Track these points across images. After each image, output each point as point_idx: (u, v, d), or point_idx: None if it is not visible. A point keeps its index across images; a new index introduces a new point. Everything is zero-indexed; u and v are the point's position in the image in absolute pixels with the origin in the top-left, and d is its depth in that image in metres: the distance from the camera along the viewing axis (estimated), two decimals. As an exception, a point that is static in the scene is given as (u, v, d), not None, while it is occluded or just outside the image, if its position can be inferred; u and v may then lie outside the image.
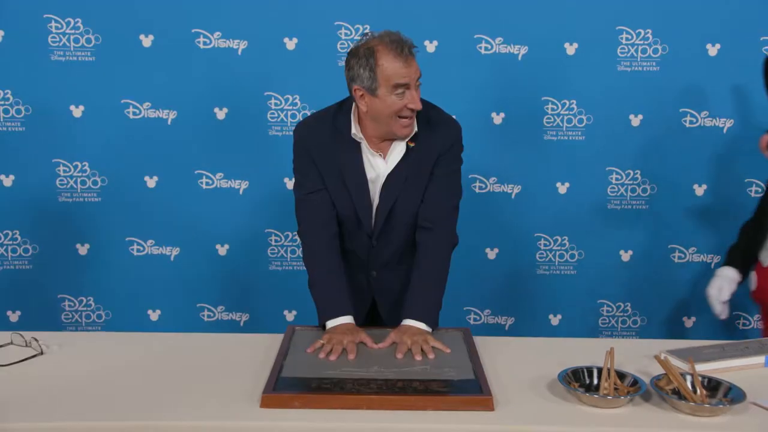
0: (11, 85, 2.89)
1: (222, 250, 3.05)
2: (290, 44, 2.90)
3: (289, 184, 2.93)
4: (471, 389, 1.57)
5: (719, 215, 3.00)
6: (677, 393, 1.55)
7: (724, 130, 2.96)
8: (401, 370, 1.67)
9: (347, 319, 1.92)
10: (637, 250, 3.07)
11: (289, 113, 2.96)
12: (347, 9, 2.89)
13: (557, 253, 3.09)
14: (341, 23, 2.90)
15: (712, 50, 2.89)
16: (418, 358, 1.75)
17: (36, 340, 1.82)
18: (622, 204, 3.04)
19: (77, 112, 2.92)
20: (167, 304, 3.09)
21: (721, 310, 2.29)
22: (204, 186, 3.00)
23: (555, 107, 2.96)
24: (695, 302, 3.01)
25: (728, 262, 2.37)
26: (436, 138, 1.98)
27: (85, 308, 3.08)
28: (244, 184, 3.01)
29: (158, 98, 2.93)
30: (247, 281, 3.09)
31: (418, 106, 1.89)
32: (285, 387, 1.57)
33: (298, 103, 2.95)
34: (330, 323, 1.91)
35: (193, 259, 3.05)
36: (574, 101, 2.96)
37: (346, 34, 2.90)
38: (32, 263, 3.03)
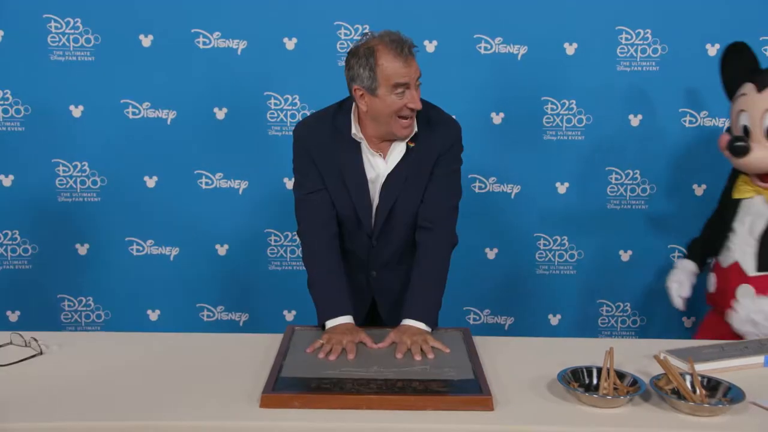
0: (11, 85, 2.89)
1: (221, 250, 3.05)
2: (290, 44, 2.90)
3: (289, 184, 2.93)
4: (470, 389, 1.58)
5: (719, 215, 3.00)
6: (677, 393, 1.55)
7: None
8: (401, 370, 1.67)
9: (347, 319, 1.92)
10: (637, 250, 3.07)
11: (289, 113, 2.95)
12: (347, 9, 2.89)
13: (557, 253, 3.09)
14: (341, 23, 2.90)
15: (712, 50, 2.89)
16: (418, 358, 1.75)
17: (35, 340, 1.82)
18: (621, 204, 3.04)
19: (77, 112, 2.92)
20: (167, 304, 3.09)
21: (680, 303, 2.39)
22: (203, 186, 3.00)
23: (555, 107, 2.96)
24: (695, 302, 3.01)
25: (689, 255, 2.46)
26: (436, 138, 1.98)
27: (84, 308, 3.08)
28: (244, 184, 3.01)
29: (158, 98, 2.92)
30: (246, 281, 3.09)
31: (418, 106, 1.89)
32: (284, 387, 1.57)
33: (298, 103, 2.95)
34: (329, 323, 1.91)
35: (192, 259, 3.05)
36: (574, 101, 2.96)
37: (345, 34, 2.90)
38: (32, 263, 3.03)
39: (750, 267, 2.20)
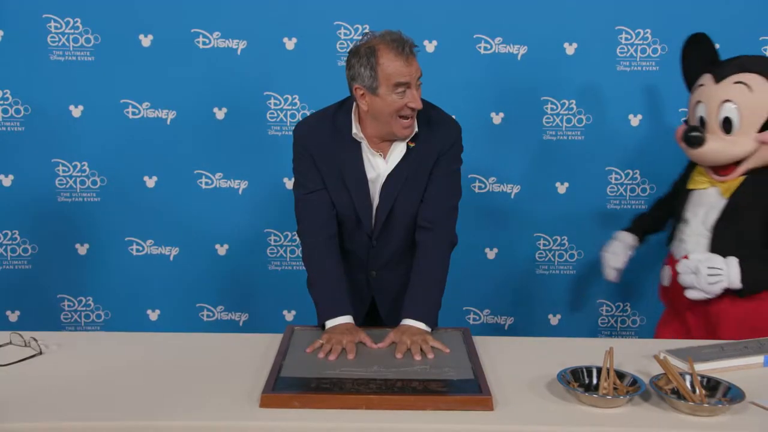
0: (10, 85, 2.89)
1: (221, 250, 3.05)
2: (290, 44, 2.90)
3: (289, 183, 2.93)
4: (470, 389, 1.57)
5: (719, 215, 3.00)
6: (676, 393, 1.55)
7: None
8: (400, 370, 1.67)
9: (347, 319, 1.92)
10: (637, 250, 3.06)
11: (289, 113, 2.95)
12: (347, 9, 2.89)
13: (557, 253, 3.09)
14: (341, 23, 2.90)
15: (712, 50, 2.89)
16: (418, 357, 1.75)
17: (35, 339, 1.82)
18: (621, 204, 3.04)
19: (76, 112, 2.92)
20: (166, 304, 3.09)
21: (612, 274, 2.43)
22: (203, 186, 3.00)
23: (554, 107, 2.96)
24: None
25: (630, 228, 2.51)
26: (436, 138, 1.98)
27: (84, 308, 3.08)
28: (244, 184, 3.01)
29: (157, 98, 2.92)
30: (246, 281, 3.09)
31: (419, 105, 1.89)
32: (284, 387, 1.57)
33: (298, 103, 2.95)
34: (329, 323, 1.91)
35: (192, 259, 3.05)
36: (574, 101, 2.96)
37: (345, 34, 2.90)
38: (31, 263, 3.03)
39: None
